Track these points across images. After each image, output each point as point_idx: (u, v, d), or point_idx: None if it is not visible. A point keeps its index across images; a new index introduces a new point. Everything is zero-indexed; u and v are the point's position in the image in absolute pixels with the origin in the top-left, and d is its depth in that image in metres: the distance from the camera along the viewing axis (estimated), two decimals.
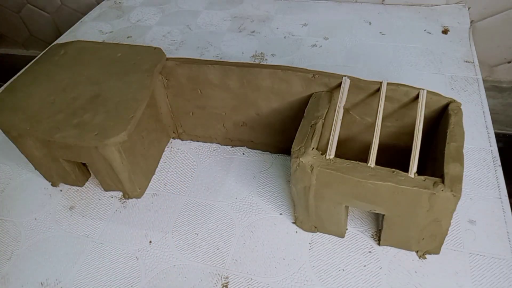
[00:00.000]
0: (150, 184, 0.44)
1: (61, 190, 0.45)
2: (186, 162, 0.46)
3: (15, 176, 0.47)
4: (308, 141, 0.33)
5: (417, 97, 0.35)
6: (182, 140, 0.49)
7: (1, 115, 0.38)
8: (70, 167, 0.42)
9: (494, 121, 0.50)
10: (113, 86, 0.39)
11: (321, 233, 0.38)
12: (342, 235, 0.37)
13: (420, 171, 0.30)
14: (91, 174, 0.46)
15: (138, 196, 0.43)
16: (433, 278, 0.34)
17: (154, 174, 0.45)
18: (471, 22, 0.65)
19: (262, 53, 0.61)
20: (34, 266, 0.38)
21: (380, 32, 0.63)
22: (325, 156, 0.32)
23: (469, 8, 0.66)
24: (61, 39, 0.69)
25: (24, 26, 1.00)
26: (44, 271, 0.38)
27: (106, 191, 0.44)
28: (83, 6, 0.90)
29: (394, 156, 0.40)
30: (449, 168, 0.30)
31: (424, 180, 0.30)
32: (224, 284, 0.35)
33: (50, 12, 0.95)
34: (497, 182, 0.40)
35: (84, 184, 0.45)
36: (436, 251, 0.35)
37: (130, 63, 0.42)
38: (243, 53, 0.61)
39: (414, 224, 0.32)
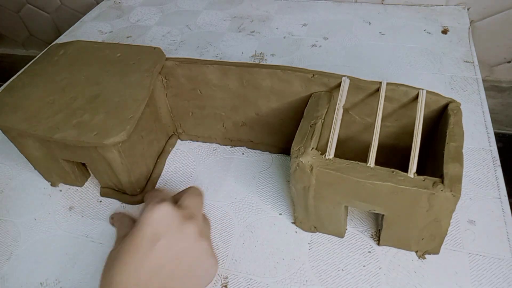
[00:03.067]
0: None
1: (60, 190, 0.45)
2: (185, 162, 0.46)
3: (14, 176, 0.47)
4: (308, 141, 0.33)
5: (416, 97, 0.35)
6: (181, 140, 0.49)
7: (0, 115, 0.38)
8: (69, 167, 0.42)
9: (493, 121, 0.50)
10: (113, 86, 0.39)
11: (321, 233, 0.38)
12: (341, 235, 0.37)
13: (419, 171, 0.30)
14: (91, 174, 0.46)
15: None
16: (433, 278, 0.34)
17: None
18: (471, 22, 0.65)
19: (261, 53, 0.61)
20: (33, 266, 0.38)
21: (380, 32, 0.63)
22: (325, 156, 0.32)
23: (468, 9, 0.66)
24: (61, 39, 0.69)
25: (24, 26, 1.00)
26: (43, 271, 0.38)
27: None
28: (82, 6, 0.90)
29: (393, 156, 0.40)
30: (448, 168, 0.30)
31: (424, 180, 0.30)
32: (224, 284, 0.35)
33: (50, 12, 0.95)
34: (497, 182, 0.40)
35: (83, 184, 0.45)
36: (436, 251, 0.35)
37: (130, 63, 0.42)
38: (242, 53, 0.61)
39: (413, 224, 0.32)
